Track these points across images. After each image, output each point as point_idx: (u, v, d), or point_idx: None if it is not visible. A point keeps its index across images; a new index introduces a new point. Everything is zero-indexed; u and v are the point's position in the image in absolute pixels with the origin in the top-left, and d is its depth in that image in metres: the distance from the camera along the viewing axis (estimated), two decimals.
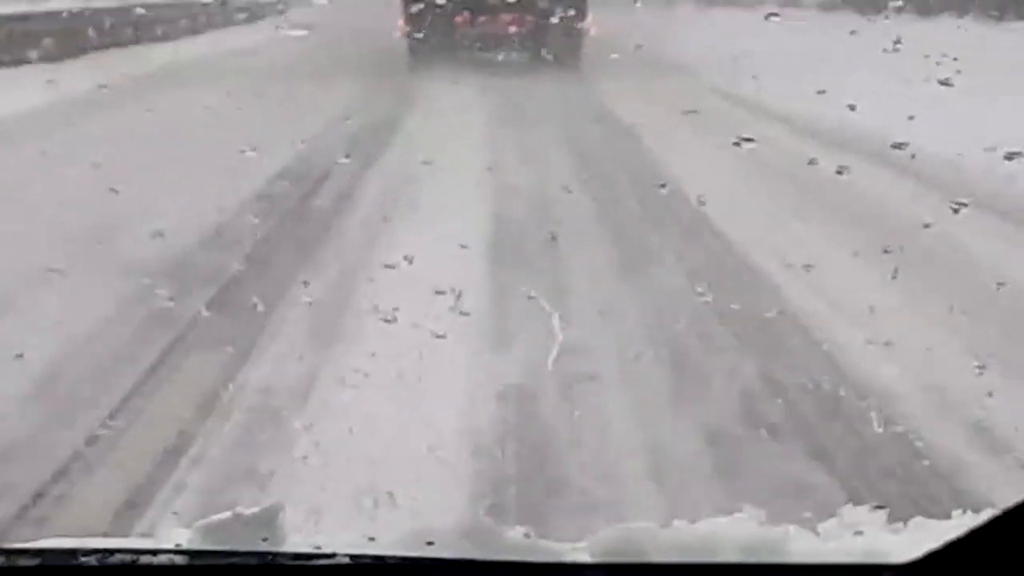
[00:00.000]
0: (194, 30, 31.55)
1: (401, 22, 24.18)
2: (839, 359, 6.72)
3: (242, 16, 37.71)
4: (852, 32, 13.14)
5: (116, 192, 9.25)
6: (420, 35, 23.48)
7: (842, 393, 6.12)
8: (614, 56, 20.36)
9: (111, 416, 5.84)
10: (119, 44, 24.49)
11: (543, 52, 23.19)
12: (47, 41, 21.16)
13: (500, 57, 24.12)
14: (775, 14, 22.16)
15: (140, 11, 26.83)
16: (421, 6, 23.37)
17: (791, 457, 5.38)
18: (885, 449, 5.47)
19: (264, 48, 25.36)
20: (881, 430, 5.62)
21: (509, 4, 23.55)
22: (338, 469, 5.03)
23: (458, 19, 23.76)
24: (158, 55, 24.17)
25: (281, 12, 42.21)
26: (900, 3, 21.14)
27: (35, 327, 7.15)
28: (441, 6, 23.17)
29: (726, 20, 29.21)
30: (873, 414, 5.75)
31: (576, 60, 23.67)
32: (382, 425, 5.55)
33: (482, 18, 24.00)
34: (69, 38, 21.82)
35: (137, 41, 25.92)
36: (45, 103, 16.21)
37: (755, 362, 6.65)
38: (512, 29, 23.84)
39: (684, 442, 5.53)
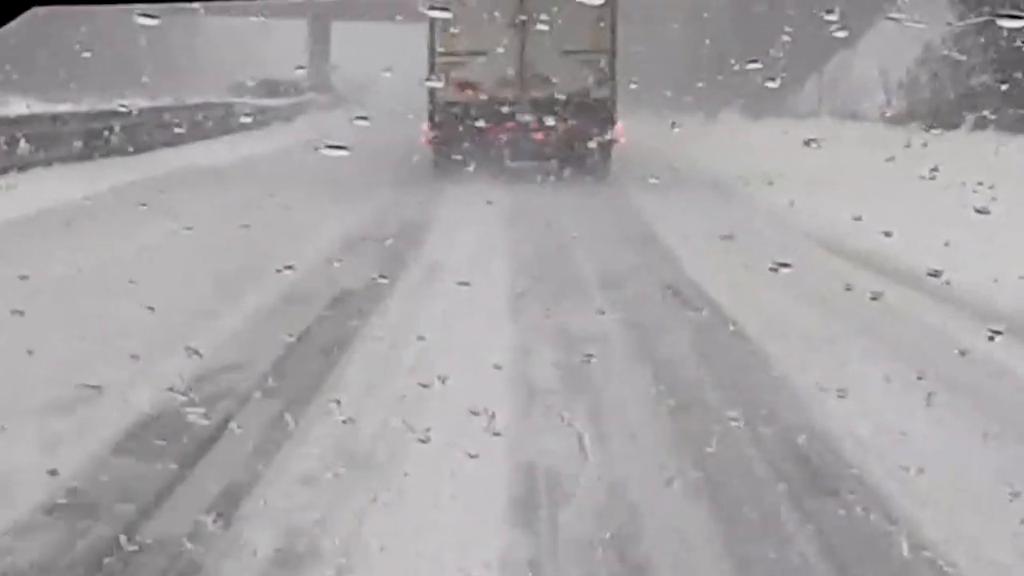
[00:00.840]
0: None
1: (425, 127, 24.10)
2: (866, 486, 6.77)
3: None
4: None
5: None
6: (445, 146, 23.44)
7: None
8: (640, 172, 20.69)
9: None
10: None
11: (571, 164, 23.13)
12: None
13: (527, 167, 23.87)
14: (814, 140, 22.46)
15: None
16: (447, 114, 23.52)
17: None
18: None
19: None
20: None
21: (538, 111, 23.22)
22: None
23: (484, 126, 23.39)
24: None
25: (288, 120, 43.21)
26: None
27: None
28: (467, 113, 23.15)
29: (768, 137, 28.96)
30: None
31: (605, 172, 23.55)
32: None
33: (508, 125, 23.59)
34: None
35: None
36: None
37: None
38: (539, 137, 23.51)
39: None
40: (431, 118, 24.05)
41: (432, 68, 23.82)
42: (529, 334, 10.53)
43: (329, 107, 51.07)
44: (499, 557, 5.58)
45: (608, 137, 23.58)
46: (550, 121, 22.97)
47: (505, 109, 23.24)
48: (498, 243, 15.93)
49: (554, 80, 23.51)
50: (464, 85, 23.74)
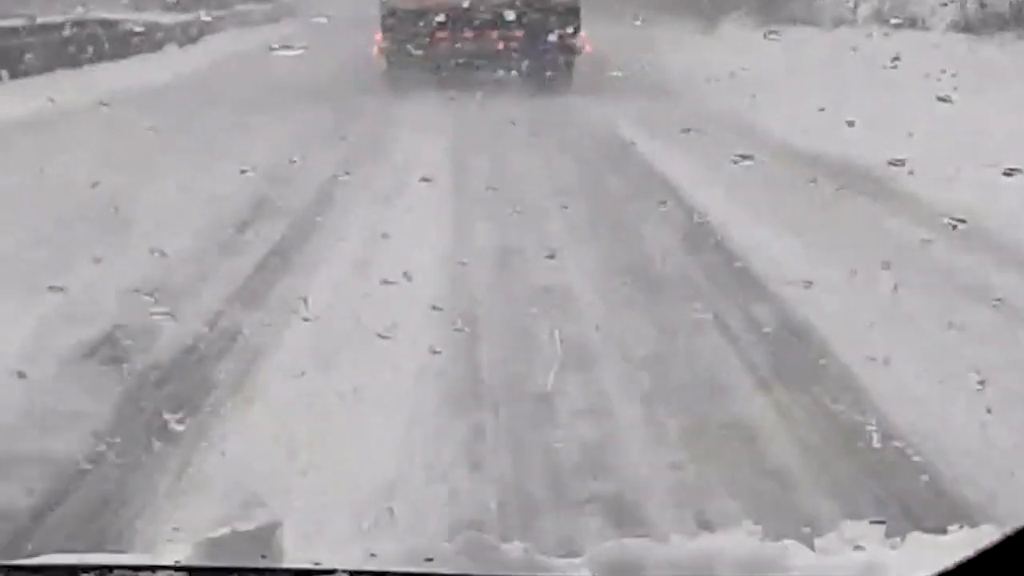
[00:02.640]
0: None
1: (378, 36, 22.82)
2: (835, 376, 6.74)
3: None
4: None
5: None
6: (398, 52, 22.19)
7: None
8: (605, 76, 20.27)
9: None
10: None
11: (532, 71, 21.83)
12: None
13: (484, 76, 22.09)
14: (774, 32, 22.03)
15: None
16: (400, 18, 22.23)
17: None
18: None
19: None
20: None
21: (496, 19, 21.63)
22: None
23: (440, 34, 22.05)
24: None
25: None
26: None
27: None
28: (422, 19, 21.85)
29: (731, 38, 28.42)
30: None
31: (567, 81, 22.45)
32: None
33: (467, 33, 22.22)
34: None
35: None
36: None
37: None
38: (500, 46, 22.18)
39: None
40: (383, 25, 22.67)
41: None
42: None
43: (260, 22, 44.05)
44: None
45: (572, 44, 22.31)
46: (509, 28, 21.73)
47: (462, 16, 21.51)
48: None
49: None
50: None
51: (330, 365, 6.92)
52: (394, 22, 22.39)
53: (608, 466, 5.55)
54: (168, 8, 36.96)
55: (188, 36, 34.06)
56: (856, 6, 25.77)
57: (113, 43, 24.98)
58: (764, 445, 5.79)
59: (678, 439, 5.87)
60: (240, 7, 44.74)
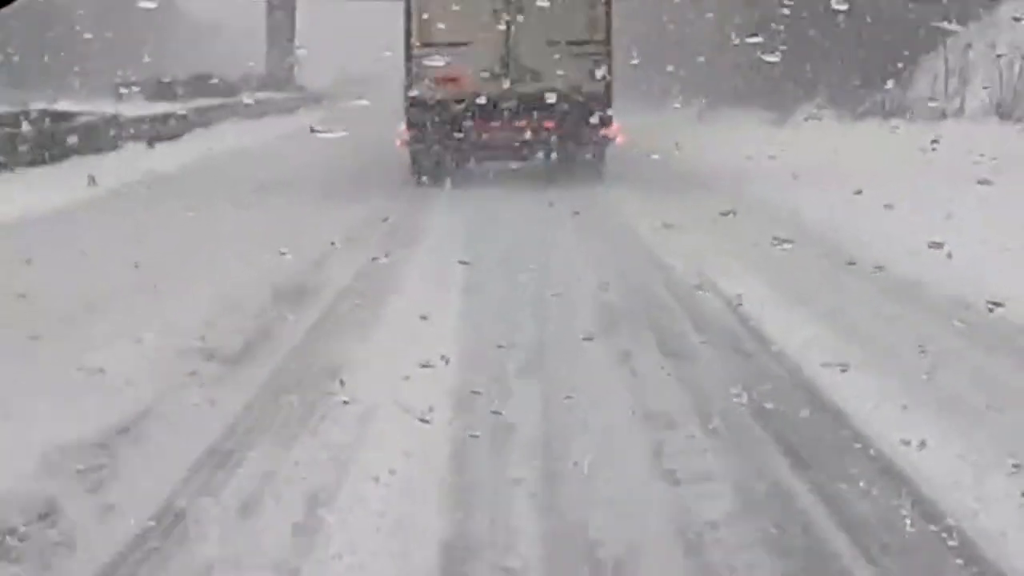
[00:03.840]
0: None
1: (402, 128, 21.98)
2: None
3: None
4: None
5: None
6: (424, 145, 21.54)
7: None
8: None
9: None
10: None
11: (562, 162, 21.47)
12: None
13: (513, 167, 22.15)
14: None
15: None
16: (425, 109, 21.41)
17: None
18: None
19: None
20: None
21: (525, 109, 21.18)
22: None
23: (467, 124, 21.28)
24: None
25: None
26: None
27: None
28: (448, 110, 21.21)
29: (757, 128, 28.28)
30: None
31: (599, 174, 21.86)
32: None
33: (495, 124, 21.47)
34: None
35: None
36: None
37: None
38: (528, 136, 21.30)
39: None
40: (407, 117, 21.82)
41: (408, 60, 21.77)
42: None
43: (281, 111, 41.87)
44: None
45: (604, 134, 21.55)
46: (539, 118, 21.17)
47: (489, 106, 20.90)
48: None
49: (543, 73, 21.42)
50: (443, 80, 21.37)
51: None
52: (419, 113, 21.58)
53: None
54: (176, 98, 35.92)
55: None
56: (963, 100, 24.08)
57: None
58: None
59: None
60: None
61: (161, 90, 37.96)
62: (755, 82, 31.41)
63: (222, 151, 28.45)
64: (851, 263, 11.79)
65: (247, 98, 39.67)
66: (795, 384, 8.38)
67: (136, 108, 30.18)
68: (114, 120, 26.49)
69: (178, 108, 32.55)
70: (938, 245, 9.93)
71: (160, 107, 32.34)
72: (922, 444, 6.52)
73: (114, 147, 25.36)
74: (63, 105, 26.63)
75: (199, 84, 39.63)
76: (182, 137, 29.68)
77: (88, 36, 40.72)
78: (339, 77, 57.44)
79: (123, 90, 35.79)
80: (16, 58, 34.72)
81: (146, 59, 43.46)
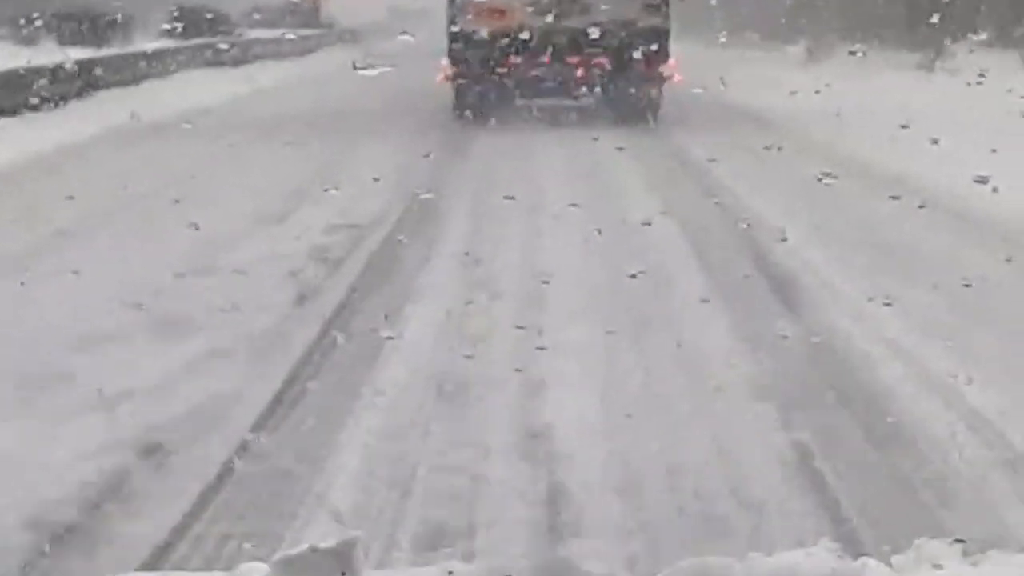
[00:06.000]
0: None
1: (444, 63, 20.75)
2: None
3: None
4: None
5: None
6: (467, 83, 20.40)
7: None
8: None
9: None
10: None
11: (615, 102, 20.22)
12: None
13: (565, 103, 20.83)
14: None
15: None
16: (469, 44, 20.21)
17: None
18: None
19: None
20: None
21: (575, 43, 19.83)
22: None
23: (513, 61, 20.14)
24: None
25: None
26: None
27: None
28: (493, 45, 19.84)
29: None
30: None
31: (654, 115, 20.08)
32: None
33: (543, 60, 20.13)
34: None
35: None
36: None
37: None
38: (579, 73, 20.08)
39: None
40: (450, 52, 20.58)
41: None
42: None
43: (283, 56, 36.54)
44: None
45: (659, 72, 20.04)
46: (590, 53, 19.91)
47: (535, 41, 19.60)
48: None
49: (592, 6, 20.22)
50: (487, 13, 20.28)
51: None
52: (462, 48, 20.49)
53: None
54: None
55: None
56: None
57: None
58: None
59: None
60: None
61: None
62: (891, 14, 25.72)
63: None
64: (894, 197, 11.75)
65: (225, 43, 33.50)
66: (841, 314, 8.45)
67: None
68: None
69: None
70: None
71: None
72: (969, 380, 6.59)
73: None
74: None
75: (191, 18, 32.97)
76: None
77: None
78: (392, 5, 53.44)
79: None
80: None
81: None
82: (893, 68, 24.44)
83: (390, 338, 7.77)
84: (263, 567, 2.45)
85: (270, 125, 20.37)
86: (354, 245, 10.95)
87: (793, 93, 15.75)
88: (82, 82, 22.70)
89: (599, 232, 10.67)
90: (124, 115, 18.57)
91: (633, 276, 8.86)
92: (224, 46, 32.08)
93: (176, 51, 29.71)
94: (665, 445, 5.89)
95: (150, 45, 29.50)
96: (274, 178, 14.83)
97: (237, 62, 32.61)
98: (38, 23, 29.39)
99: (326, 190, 13.16)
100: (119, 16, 32.52)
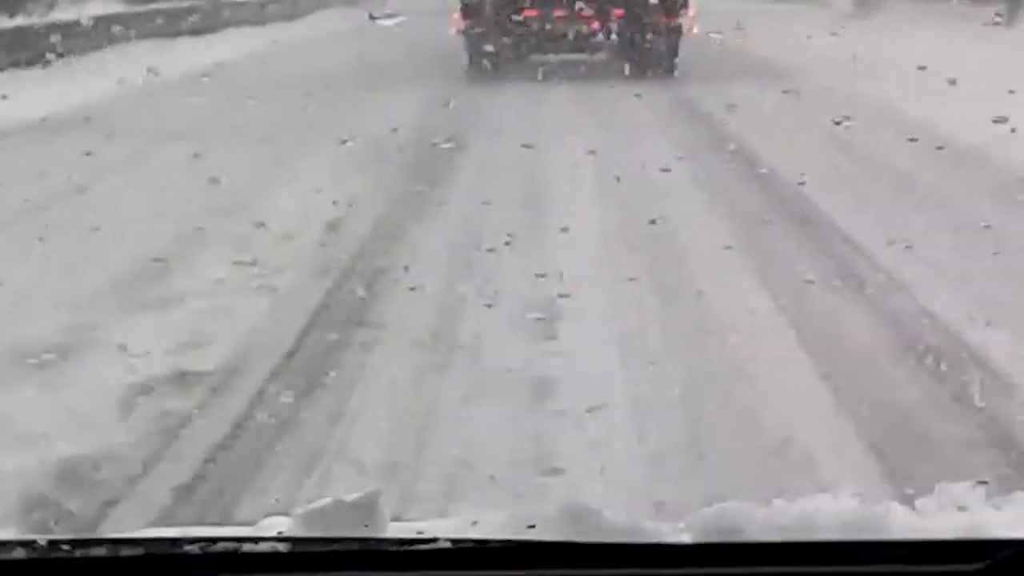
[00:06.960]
0: None
1: (456, 17, 20.17)
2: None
3: None
4: None
5: None
6: (479, 36, 19.51)
7: None
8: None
9: None
10: None
11: (632, 53, 19.23)
12: None
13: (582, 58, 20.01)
14: None
15: None
16: None
17: None
18: None
19: None
20: None
21: None
22: None
23: (527, 13, 19.40)
24: None
25: None
26: None
27: None
28: None
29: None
30: None
31: (670, 66, 19.37)
32: None
33: (557, 12, 19.38)
34: None
35: None
36: None
37: None
38: (595, 25, 19.44)
39: None
40: (462, 5, 20.03)
41: None
42: None
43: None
44: None
45: (679, 22, 19.36)
46: (606, 4, 19.29)
47: None
48: None
49: None
50: None
51: None
52: (474, 1, 19.89)
53: None
54: None
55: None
56: None
57: None
58: None
59: None
60: None
61: None
62: None
63: None
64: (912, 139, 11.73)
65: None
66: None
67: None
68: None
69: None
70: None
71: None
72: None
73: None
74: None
75: None
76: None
77: None
78: None
79: None
80: None
81: None
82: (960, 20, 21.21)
83: None
84: (286, 520, 2.45)
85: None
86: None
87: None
88: None
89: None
90: None
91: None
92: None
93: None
94: None
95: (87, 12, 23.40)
96: None
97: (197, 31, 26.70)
98: None
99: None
100: None
